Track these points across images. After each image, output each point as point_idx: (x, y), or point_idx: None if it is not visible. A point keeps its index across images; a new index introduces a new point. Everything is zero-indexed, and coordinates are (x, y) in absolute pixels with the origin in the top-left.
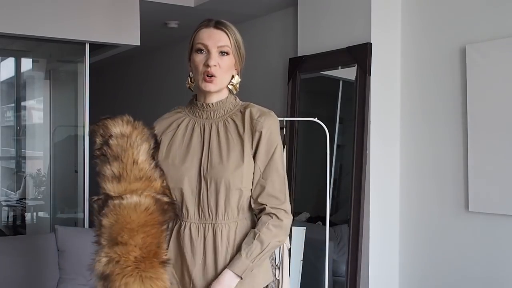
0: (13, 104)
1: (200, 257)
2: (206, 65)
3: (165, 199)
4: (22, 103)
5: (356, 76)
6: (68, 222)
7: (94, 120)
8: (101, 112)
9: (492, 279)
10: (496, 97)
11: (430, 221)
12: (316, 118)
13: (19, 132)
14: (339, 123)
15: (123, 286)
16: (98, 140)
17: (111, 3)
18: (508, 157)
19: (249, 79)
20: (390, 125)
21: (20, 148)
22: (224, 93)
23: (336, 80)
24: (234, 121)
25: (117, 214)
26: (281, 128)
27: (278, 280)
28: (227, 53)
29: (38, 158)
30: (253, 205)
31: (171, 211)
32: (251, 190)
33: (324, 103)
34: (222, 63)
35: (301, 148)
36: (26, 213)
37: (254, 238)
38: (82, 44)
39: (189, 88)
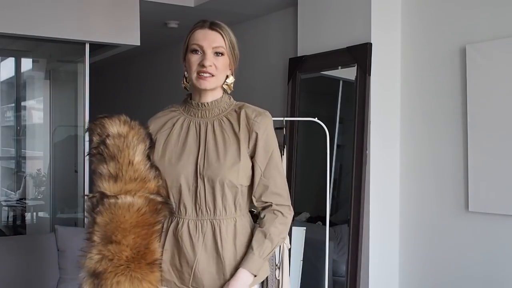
0: (13, 104)
1: (200, 250)
2: (201, 65)
3: (159, 199)
4: (22, 103)
5: (356, 76)
6: (68, 222)
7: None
8: (101, 112)
9: (492, 279)
10: (496, 97)
11: (430, 221)
12: (316, 118)
13: (19, 132)
14: (339, 123)
15: (115, 284)
16: (95, 138)
17: (111, 3)
18: (508, 157)
19: (249, 79)
20: (390, 125)
21: (20, 148)
22: (219, 93)
23: (336, 80)
24: (229, 120)
25: (112, 213)
26: (281, 128)
27: (278, 280)
28: (222, 54)
29: (38, 158)
30: (256, 204)
31: (164, 210)
32: (253, 189)
33: (324, 103)
34: (217, 64)
35: (301, 148)
36: (26, 213)
37: (265, 238)
38: (82, 44)
39: (185, 88)
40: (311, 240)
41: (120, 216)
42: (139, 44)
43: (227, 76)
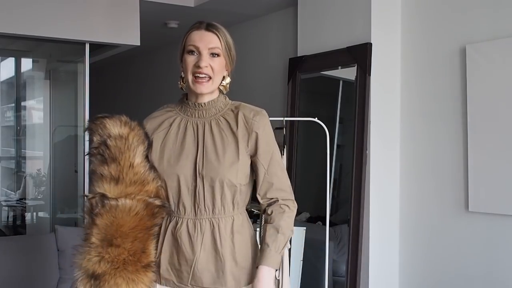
0: (13, 104)
1: (199, 249)
2: (197, 66)
3: (157, 202)
4: (22, 103)
5: (356, 76)
6: (68, 222)
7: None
8: (101, 113)
9: (492, 278)
10: (496, 97)
11: (430, 221)
12: (316, 118)
13: (19, 132)
14: (339, 123)
15: (114, 286)
16: (96, 138)
17: (111, 3)
18: (508, 157)
19: (249, 79)
20: (390, 125)
21: (20, 148)
22: (215, 93)
23: (336, 80)
24: (226, 120)
25: (113, 216)
26: (281, 128)
27: (278, 280)
28: (218, 55)
29: (38, 158)
30: (261, 201)
31: (161, 214)
32: (258, 188)
33: (324, 103)
34: (213, 64)
35: (301, 148)
36: (26, 213)
37: (278, 232)
38: (82, 44)
39: (181, 88)
40: (311, 240)
41: (120, 220)
42: (139, 44)
43: (223, 77)
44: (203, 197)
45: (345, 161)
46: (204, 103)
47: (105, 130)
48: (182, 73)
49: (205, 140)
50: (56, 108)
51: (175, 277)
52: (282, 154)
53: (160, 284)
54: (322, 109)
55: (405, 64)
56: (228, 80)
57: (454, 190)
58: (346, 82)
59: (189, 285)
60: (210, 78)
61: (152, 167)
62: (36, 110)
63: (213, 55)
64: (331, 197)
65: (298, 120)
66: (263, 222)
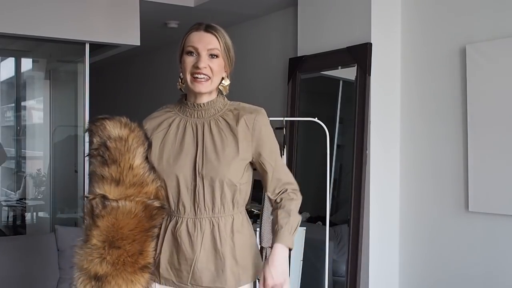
0: (13, 104)
1: (199, 248)
2: (196, 66)
3: (156, 203)
4: (22, 103)
5: (356, 76)
6: (68, 222)
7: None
8: (101, 113)
9: (492, 278)
10: (496, 97)
11: (430, 221)
12: (316, 118)
13: (19, 132)
14: (339, 123)
15: (116, 287)
16: (96, 140)
17: (111, 3)
18: (508, 157)
19: (249, 79)
20: (390, 125)
21: (20, 148)
22: (214, 94)
23: (336, 80)
24: (225, 120)
25: (114, 218)
26: (281, 128)
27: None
28: (217, 56)
29: (38, 158)
30: (271, 197)
31: (160, 215)
32: (266, 186)
33: (324, 103)
34: (211, 65)
35: (301, 148)
36: (26, 213)
37: (289, 215)
38: (82, 44)
39: (180, 89)
40: (311, 240)
41: (121, 221)
42: (139, 44)
43: (222, 78)
44: (202, 197)
45: (345, 161)
46: (203, 104)
47: (105, 132)
48: (181, 73)
49: (205, 140)
50: (56, 108)
51: (175, 277)
52: (282, 154)
53: (160, 283)
54: (322, 109)
55: (405, 64)
56: (227, 81)
57: (454, 190)
58: (346, 82)
59: (188, 284)
60: (209, 78)
61: (152, 168)
62: (36, 110)
63: (212, 56)
64: (331, 197)
65: (298, 120)
66: (272, 211)
